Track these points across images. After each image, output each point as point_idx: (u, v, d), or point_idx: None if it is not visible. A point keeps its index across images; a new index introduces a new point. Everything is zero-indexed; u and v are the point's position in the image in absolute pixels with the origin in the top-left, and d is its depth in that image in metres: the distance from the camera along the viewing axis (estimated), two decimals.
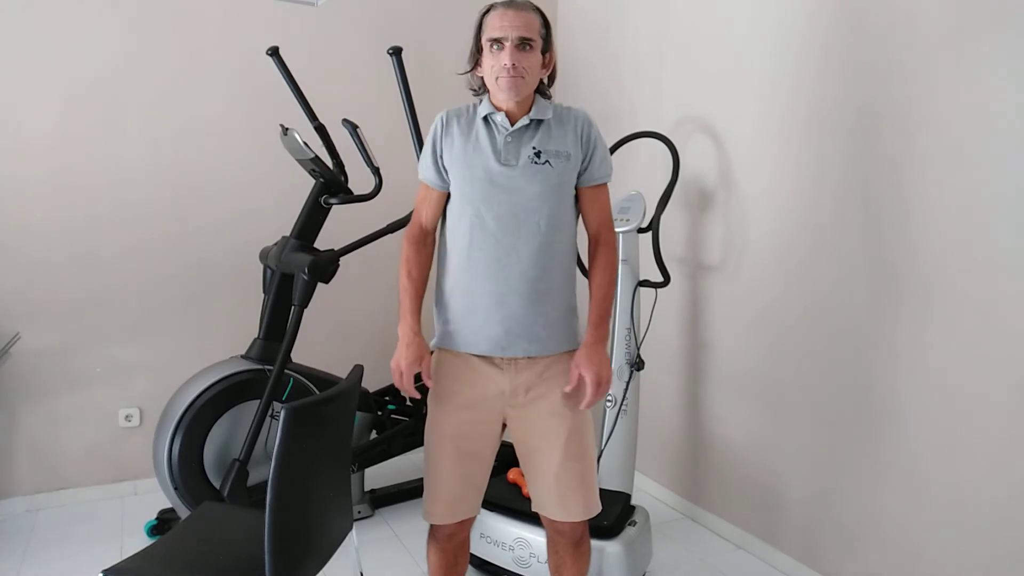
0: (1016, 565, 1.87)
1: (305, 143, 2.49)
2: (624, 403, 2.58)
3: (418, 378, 1.72)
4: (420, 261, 1.75)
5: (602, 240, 1.74)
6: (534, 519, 2.28)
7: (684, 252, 2.92)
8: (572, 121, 1.70)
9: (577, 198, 1.74)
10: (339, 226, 2.82)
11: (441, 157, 1.71)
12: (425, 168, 1.75)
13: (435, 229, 1.78)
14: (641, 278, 2.61)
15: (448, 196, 1.74)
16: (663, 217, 2.64)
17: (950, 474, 2.01)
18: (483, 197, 1.65)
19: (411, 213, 2.60)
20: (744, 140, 2.64)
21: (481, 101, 1.72)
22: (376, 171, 2.64)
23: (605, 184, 1.75)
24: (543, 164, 1.66)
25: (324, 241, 2.69)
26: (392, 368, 1.70)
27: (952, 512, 2.01)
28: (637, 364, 2.58)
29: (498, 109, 1.68)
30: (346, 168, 2.72)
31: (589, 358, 1.66)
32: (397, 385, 1.70)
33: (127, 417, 3.02)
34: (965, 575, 1.99)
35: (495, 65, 1.62)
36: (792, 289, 2.47)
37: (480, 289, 1.67)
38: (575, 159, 1.69)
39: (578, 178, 1.71)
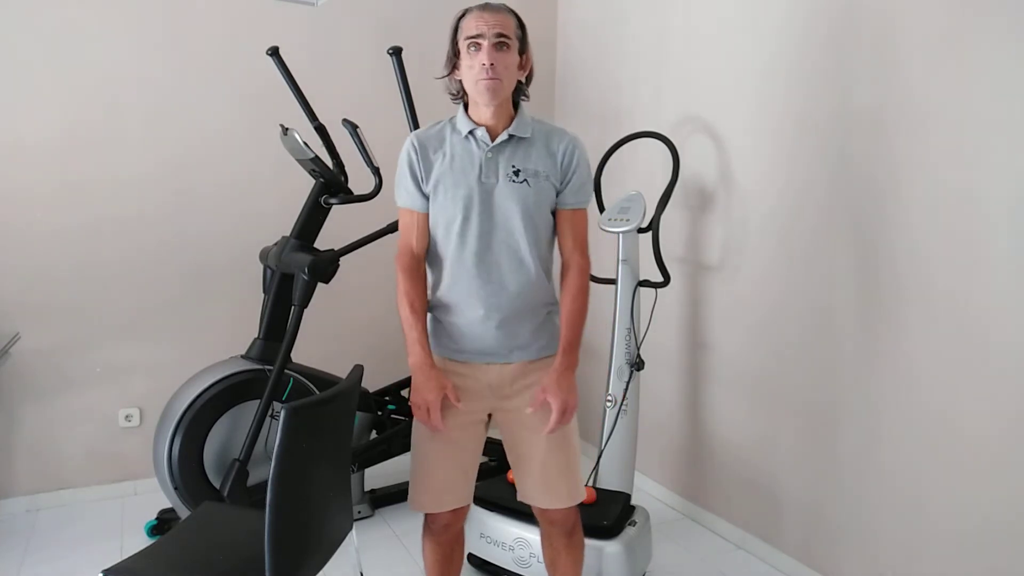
0: (1017, 566, 1.87)
1: (305, 143, 2.49)
2: (624, 403, 2.58)
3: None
4: (420, 291, 1.74)
5: (574, 266, 1.75)
6: (534, 519, 2.28)
7: (684, 252, 2.92)
8: (557, 143, 1.72)
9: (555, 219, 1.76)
10: (339, 226, 2.82)
11: (423, 181, 1.70)
12: (407, 194, 1.73)
13: (426, 254, 1.77)
14: (641, 278, 2.61)
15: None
16: (663, 217, 2.64)
17: (949, 474, 2.02)
18: (464, 214, 1.67)
19: None
20: (744, 141, 2.64)
21: (456, 115, 1.73)
22: (376, 171, 2.64)
23: (583, 210, 1.76)
24: (521, 182, 1.67)
25: (324, 241, 2.69)
26: (415, 404, 1.67)
27: (951, 512, 2.02)
28: (637, 364, 2.58)
29: (478, 124, 1.69)
30: (346, 168, 2.72)
31: (558, 384, 1.66)
32: (423, 421, 1.68)
33: (127, 417, 3.02)
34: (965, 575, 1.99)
35: (473, 65, 1.62)
36: (792, 289, 2.47)
37: (461, 304, 1.71)
38: (553, 180, 1.71)
39: (556, 199, 1.73)
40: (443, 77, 1.75)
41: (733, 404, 2.74)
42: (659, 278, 2.60)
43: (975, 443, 1.95)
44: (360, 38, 3.28)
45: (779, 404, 2.54)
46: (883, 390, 2.18)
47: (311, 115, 2.69)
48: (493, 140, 1.68)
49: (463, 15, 1.67)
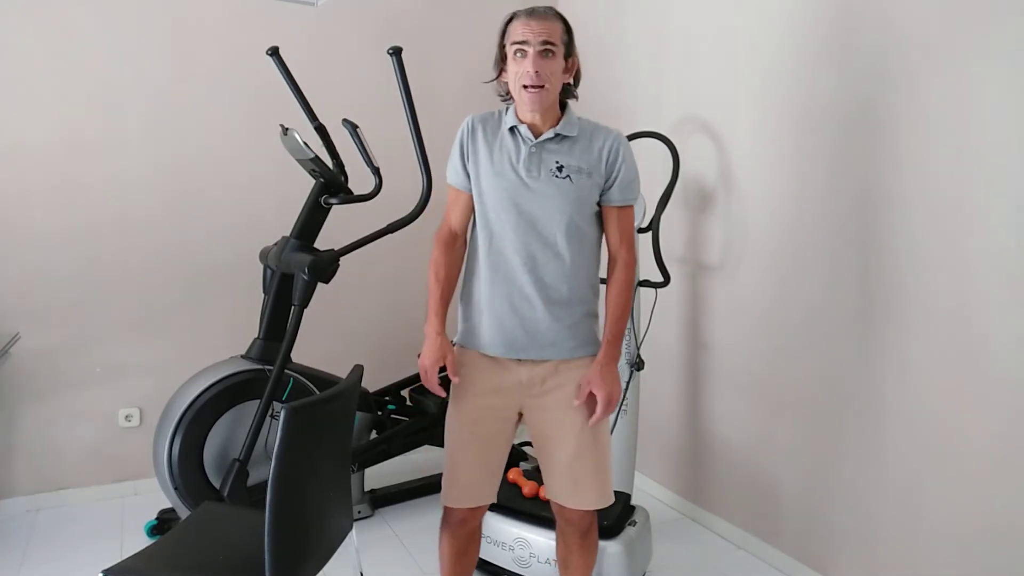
0: (1016, 568, 1.87)
1: (305, 143, 2.49)
2: (624, 403, 2.58)
3: (442, 370, 1.78)
4: (448, 263, 1.80)
5: (620, 261, 1.77)
6: (534, 519, 2.28)
7: (684, 252, 2.92)
8: (602, 140, 1.74)
9: (602, 215, 1.78)
10: (339, 226, 2.82)
11: (468, 161, 1.75)
12: (454, 172, 1.79)
13: (465, 231, 1.82)
14: (641, 278, 2.61)
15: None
16: (663, 217, 2.64)
17: (948, 474, 2.02)
18: (504, 206, 1.70)
19: (412, 212, 2.64)
20: (744, 140, 2.64)
21: (508, 109, 1.76)
22: (376, 171, 2.64)
23: (629, 207, 1.78)
24: (564, 178, 1.70)
25: (324, 241, 2.69)
26: (419, 365, 1.77)
27: (951, 512, 2.02)
28: (637, 364, 2.58)
29: (523, 121, 1.72)
30: (346, 168, 2.72)
31: (602, 376, 1.70)
32: (423, 381, 1.78)
33: (127, 417, 3.02)
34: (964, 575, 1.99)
35: (519, 72, 1.66)
36: (792, 289, 2.47)
37: (498, 294, 1.73)
38: (597, 177, 1.72)
39: (601, 196, 1.75)
40: (492, 81, 1.78)
41: (733, 404, 2.74)
42: (659, 278, 2.60)
43: (974, 442, 1.95)
44: (360, 38, 3.28)
45: (779, 404, 2.54)
46: (883, 390, 2.18)
47: (311, 115, 2.69)
48: (537, 137, 1.71)
49: (511, 19, 1.69)
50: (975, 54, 1.91)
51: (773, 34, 2.50)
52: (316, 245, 2.67)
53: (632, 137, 2.79)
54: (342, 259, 2.61)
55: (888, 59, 2.13)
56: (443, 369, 1.76)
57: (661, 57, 3.01)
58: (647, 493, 3.14)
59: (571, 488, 1.78)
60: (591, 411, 1.72)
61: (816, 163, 2.37)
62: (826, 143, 2.33)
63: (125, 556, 1.67)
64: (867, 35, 2.19)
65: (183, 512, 2.49)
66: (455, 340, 1.83)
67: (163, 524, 2.67)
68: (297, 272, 2.52)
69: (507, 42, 1.68)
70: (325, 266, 2.54)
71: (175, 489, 2.46)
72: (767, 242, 2.56)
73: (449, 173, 1.81)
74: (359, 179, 2.72)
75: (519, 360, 1.75)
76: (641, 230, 2.61)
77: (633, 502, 2.49)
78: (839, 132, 2.29)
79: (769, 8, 2.51)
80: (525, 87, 1.65)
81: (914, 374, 2.10)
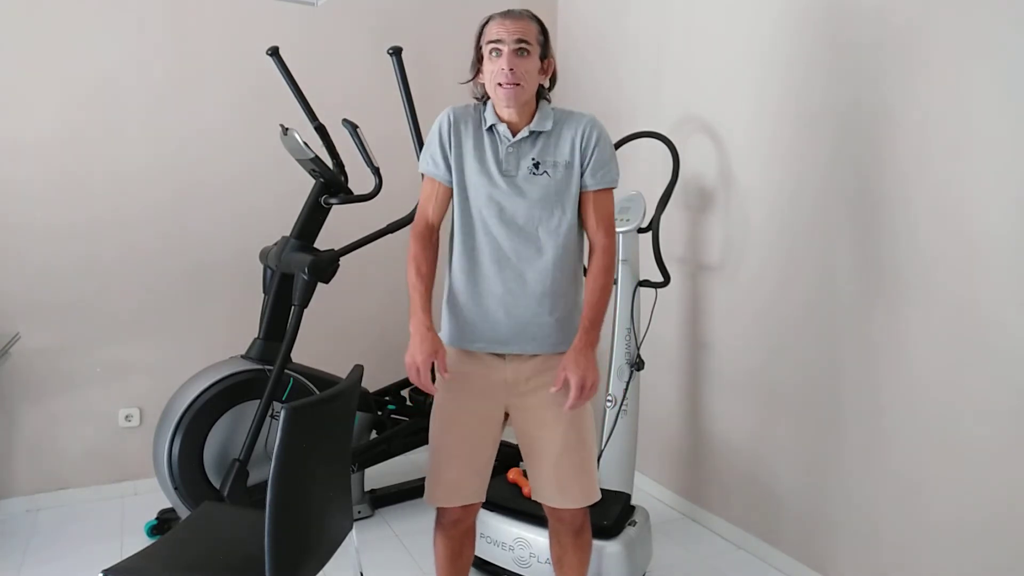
0: (1016, 566, 1.87)
1: (305, 143, 2.50)
2: (624, 403, 2.58)
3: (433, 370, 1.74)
4: (428, 257, 1.77)
5: (598, 246, 1.76)
6: (534, 519, 2.28)
7: (684, 252, 2.92)
8: (574, 127, 1.73)
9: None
10: (339, 226, 2.82)
11: (450, 153, 1.74)
12: (432, 163, 1.76)
13: (440, 225, 1.81)
14: (641, 278, 2.61)
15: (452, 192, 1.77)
16: (663, 217, 2.64)
17: (949, 474, 2.02)
18: (486, 204, 1.71)
19: (412, 212, 2.63)
20: (744, 140, 2.64)
21: (485, 107, 1.76)
22: (376, 171, 2.65)
23: (607, 190, 1.76)
24: (541, 174, 1.70)
25: (324, 241, 2.69)
26: (407, 364, 1.69)
27: (950, 513, 2.02)
28: (637, 364, 2.58)
29: (500, 120, 1.72)
30: (346, 168, 2.72)
31: (576, 362, 1.67)
32: (413, 380, 1.69)
33: (127, 417, 3.02)
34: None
35: (494, 70, 1.66)
36: (792, 289, 2.47)
37: (483, 291, 1.73)
38: (574, 166, 1.72)
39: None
40: (468, 81, 1.78)
41: (733, 404, 2.74)
42: (659, 278, 2.60)
43: (975, 441, 1.95)
44: (360, 38, 3.28)
45: (779, 403, 2.54)
46: (883, 389, 2.18)
47: (311, 115, 2.69)
48: (514, 135, 1.71)
49: (487, 21, 1.70)
50: (978, 48, 1.91)
51: (774, 32, 2.50)
52: (316, 245, 2.67)
53: (632, 137, 2.79)
54: (342, 259, 2.62)
55: (889, 55, 2.12)
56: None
57: (661, 57, 3.01)
58: (647, 493, 3.14)
59: (556, 488, 1.78)
60: (565, 399, 1.67)
61: (817, 161, 2.37)
62: (825, 141, 2.33)
63: (125, 556, 1.67)
64: (863, 30, 2.19)
65: (183, 512, 2.49)
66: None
67: (163, 524, 2.67)
68: (297, 272, 2.52)
69: (483, 42, 1.69)
70: (325, 266, 2.54)
71: (175, 489, 2.46)
72: (767, 242, 2.56)
73: (425, 163, 1.78)
74: (359, 179, 2.72)
75: (503, 357, 1.75)
76: (641, 230, 2.61)
77: (633, 502, 2.48)
78: (841, 130, 2.28)
79: (770, 6, 2.51)
80: (500, 85, 1.65)
81: (914, 373, 2.10)
